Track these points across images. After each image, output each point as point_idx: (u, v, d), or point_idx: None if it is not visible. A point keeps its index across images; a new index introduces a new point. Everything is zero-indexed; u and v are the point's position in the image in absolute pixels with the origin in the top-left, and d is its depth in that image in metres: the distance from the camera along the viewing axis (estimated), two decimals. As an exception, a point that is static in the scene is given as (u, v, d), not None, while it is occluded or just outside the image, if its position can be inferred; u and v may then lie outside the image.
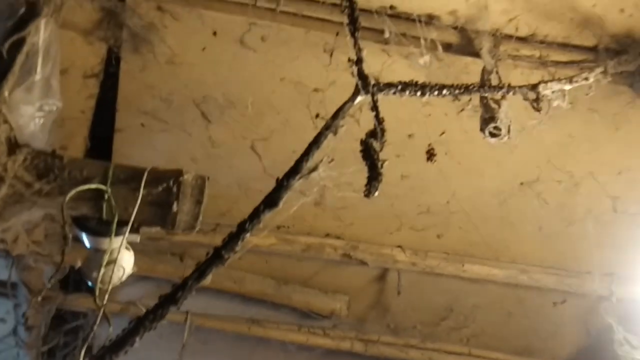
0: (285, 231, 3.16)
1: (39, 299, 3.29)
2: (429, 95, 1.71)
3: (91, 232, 1.85)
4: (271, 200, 1.49)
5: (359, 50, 1.59)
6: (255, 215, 1.48)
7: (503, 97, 2.17)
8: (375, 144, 1.54)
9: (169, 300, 1.46)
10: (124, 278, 2.01)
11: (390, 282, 3.34)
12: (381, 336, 3.58)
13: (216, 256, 1.49)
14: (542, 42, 2.34)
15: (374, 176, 1.49)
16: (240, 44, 2.47)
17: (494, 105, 2.15)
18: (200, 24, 2.43)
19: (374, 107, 1.58)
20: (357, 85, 1.59)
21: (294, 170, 1.51)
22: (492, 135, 2.12)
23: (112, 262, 1.92)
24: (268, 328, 3.55)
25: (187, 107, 2.71)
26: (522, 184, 2.88)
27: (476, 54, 2.32)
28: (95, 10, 2.40)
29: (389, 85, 1.64)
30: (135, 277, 3.41)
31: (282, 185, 1.50)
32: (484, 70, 2.27)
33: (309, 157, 1.53)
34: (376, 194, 1.53)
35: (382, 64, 2.48)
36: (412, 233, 3.13)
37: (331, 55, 2.47)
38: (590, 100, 2.48)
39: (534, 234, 3.08)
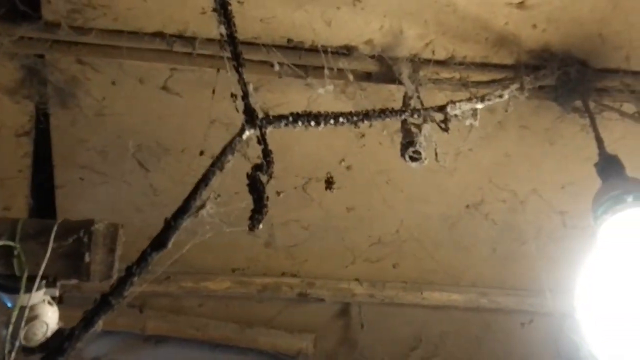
0: (240, 273, 3.15)
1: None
2: (325, 124, 1.69)
3: (6, 290, 1.84)
4: (159, 242, 1.47)
5: (244, 85, 1.59)
6: (143, 258, 1.47)
7: (425, 120, 2.17)
8: (262, 177, 1.53)
9: (57, 351, 1.44)
10: (49, 333, 1.98)
11: (353, 316, 3.32)
12: (352, 372, 3.56)
13: (104, 302, 1.46)
14: (461, 63, 2.34)
15: (258, 209, 1.48)
16: (165, 90, 2.48)
17: (414, 129, 2.14)
18: (122, 74, 2.43)
19: (262, 141, 1.58)
20: (244, 120, 1.60)
21: (183, 210, 1.51)
22: (413, 159, 2.11)
23: (34, 318, 1.91)
24: (235, 375, 3.53)
25: (123, 158, 2.71)
26: (467, 206, 2.87)
27: (397, 81, 2.32)
28: (16, 69, 2.40)
29: (280, 118, 1.64)
30: (99, 334, 3.39)
31: (170, 225, 1.49)
32: (405, 95, 2.28)
33: (197, 196, 1.52)
34: (260, 226, 1.51)
35: (307, 98, 2.49)
36: (368, 265, 3.11)
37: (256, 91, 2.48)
38: (519, 118, 2.49)
39: (489, 256, 3.06)
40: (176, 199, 2.82)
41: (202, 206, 1.50)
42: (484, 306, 3.21)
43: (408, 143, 2.10)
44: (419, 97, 2.28)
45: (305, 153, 2.70)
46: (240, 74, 1.58)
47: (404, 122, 2.19)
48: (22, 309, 1.91)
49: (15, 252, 1.77)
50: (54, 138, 2.64)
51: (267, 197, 1.49)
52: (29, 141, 2.66)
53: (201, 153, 2.28)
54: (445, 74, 2.35)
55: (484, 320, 3.34)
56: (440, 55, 2.33)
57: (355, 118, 1.75)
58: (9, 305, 1.96)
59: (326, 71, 2.25)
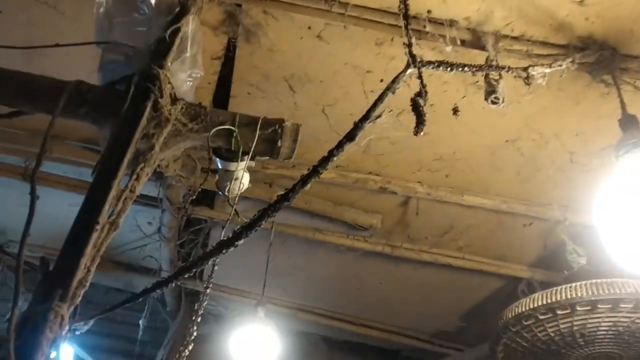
0: (341, 169, 3.19)
1: (177, 208, 3.40)
2: (456, 70, 1.71)
3: (224, 158, 1.90)
4: (350, 136, 1.50)
5: (409, 38, 1.59)
6: (339, 145, 1.50)
7: (501, 76, 2.15)
8: (421, 100, 1.55)
9: (284, 198, 1.49)
10: (242, 190, 2.05)
11: (411, 206, 3.36)
12: (403, 243, 3.63)
13: (314, 171, 1.50)
14: (528, 40, 2.30)
15: (420, 122, 1.51)
16: (318, 38, 2.48)
17: (494, 82, 2.13)
18: (291, 24, 2.43)
19: (420, 77, 1.59)
20: (408, 61, 1.60)
21: (365, 117, 1.53)
22: (493, 103, 2.11)
23: (237, 179, 1.98)
24: (326, 234, 3.62)
25: (279, 82, 2.73)
26: (506, 141, 2.85)
27: (482, 48, 2.29)
28: (220, 12, 2.42)
29: (430, 62, 1.65)
30: (239, 197, 3.50)
31: (357, 126, 1.51)
32: (487, 58, 2.25)
33: (375, 108, 1.54)
34: (422, 134, 1.54)
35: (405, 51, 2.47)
36: (428, 173, 3.13)
37: (380, 47, 2.48)
38: (560, 82, 2.44)
39: (513, 177, 3.06)
40: (311, 114, 2.88)
41: (379, 116, 1.52)
42: (502, 210, 3.22)
43: (491, 91, 2.10)
44: (496, 61, 2.25)
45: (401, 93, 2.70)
46: (407, 30, 1.57)
47: (486, 76, 2.17)
48: (229, 172, 1.99)
49: (234, 134, 1.82)
50: (237, 63, 2.67)
51: (425, 114, 1.51)
52: (218, 63, 2.70)
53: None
54: (516, 46, 2.31)
55: (499, 219, 3.36)
56: (516, 32, 2.29)
57: (474, 69, 1.75)
58: (220, 167, 2.02)
59: (447, 35, 2.21)
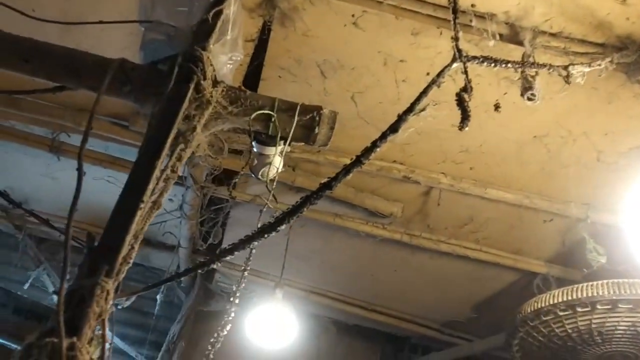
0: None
1: (200, 187, 3.44)
2: (499, 66, 1.71)
3: (260, 142, 1.90)
4: (393, 128, 1.51)
5: (457, 32, 1.59)
6: (382, 136, 1.51)
7: (537, 73, 2.15)
8: (466, 95, 1.55)
9: (326, 186, 1.51)
10: (276, 174, 2.06)
11: (433, 197, 3.37)
12: (422, 233, 3.65)
13: (357, 161, 1.52)
14: (566, 37, 2.29)
15: (465, 117, 1.52)
16: (354, 25, 2.48)
17: (530, 79, 2.13)
18: (328, 9, 2.43)
19: (465, 71, 1.59)
20: (454, 55, 1.61)
21: (409, 110, 1.53)
22: (529, 99, 2.11)
23: (269, 163, 1.99)
24: (346, 220, 3.64)
25: (311, 67, 2.74)
26: (535, 137, 2.85)
27: (520, 43, 2.28)
28: (258, -5, 2.43)
29: (475, 57, 1.65)
30: (262, 179, 3.52)
31: (401, 118, 1.52)
32: (524, 54, 2.24)
33: (420, 101, 1.55)
34: (467, 129, 1.55)
35: (451, 47, 2.46)
36: (453, 164, 3.14)
37: (416, 37, 2.47)
38: (594, 81, 2.43)
39: (538, 172, 3.06)
40: (340, 100, 2.88)
41: (423, 109, 1.53)
42: (524, 205, 3.23)
43: (528, 87, 2.10)
44: (533, 57, 2.25)
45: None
46: (455, 25, 1.58)
47: (523, 72, 2.17)
48: (264, 156, 2.00)
49: (273, 119, 1.83)
50: (270, 46, 2.67)
51: (470, 109, 1.52)
52: (251, 45, 2.70)
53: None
54: (554, 43, 2.30)
55: (520, 214, 3.36)
56: (554, 29, 2.28)
57: (516, 65, 1.75)
58: (257, 151, 2.03)
59: (489, 29, 2.20)
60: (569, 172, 2.99)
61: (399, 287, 4.43)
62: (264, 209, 1.97)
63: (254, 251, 1.82)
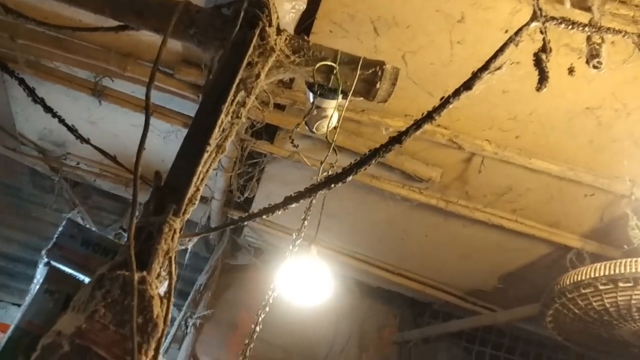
0: (410, 118, 3.15)
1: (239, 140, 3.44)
2: (575, 29, 1.66)
3: (320, 95, 1.89)
4: (467, 85, 1.48)
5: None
6: (456, 93, 1.49)
7: (603, 41, 2.09)
8: (544, 56, 1.52)
9: (395, 140, 1.50)
10: (330, 128, 2.06)
11: (474, 164, 3.34)
12: (459, 199, 3.63)
13: (429, 116, 1.50)
14: (636, 5, 2.21)
15: (543, 77, 1.48)
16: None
17: (597, 46, 2.07)
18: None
19: (543, 31, 1.55)
20: (533, 13, 1.56)
21: (484, 67, 1.50)
22: (595, 67, 2.05)
23: (326, 117, 1.99)
24: (383, 182, 3.64)
25: (364, 23, 2.68)
26: (587, 108, 2.79)
27: (587, 9, 2.22)
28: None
29: (554, 18, 1.60)
30: (299, 135, 3.50)
31: (476, 75, 1.49)
32: (591, 20, 2.18)
33: (495, 60, 1.51)
34: (544, 89, 1.51)
35: (512, 8, 2.41)
36: (499, 132, 3.09)
37: (477, -3, 2.41)
38: (659, 53, 2.37)
39: (586, 145, 3.00)
40: (390, 58, 2.81)
41: (499, 67, 1.49)
42: (567, 177, 3.19)
43: (595, 55, 2.04)
44: (600, 23, 2.18)
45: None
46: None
47: (589, 39, 2.11)
48: (321, 108, 1.99)
49: (334, 72, 1.81)
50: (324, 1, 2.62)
51: (548, 70, 1.48)
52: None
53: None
54: (623, 11, 2.23)
55: (561, 186, 3.32)
56: (625, -4, 2.21)
57: (587, 28, 1.70)
58: (311, 101, 2.02)
59: None
60: (618, 147, 2.94)
61: (427, 253, 4.45)
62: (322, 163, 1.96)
63: (313, 201, 1.83)
